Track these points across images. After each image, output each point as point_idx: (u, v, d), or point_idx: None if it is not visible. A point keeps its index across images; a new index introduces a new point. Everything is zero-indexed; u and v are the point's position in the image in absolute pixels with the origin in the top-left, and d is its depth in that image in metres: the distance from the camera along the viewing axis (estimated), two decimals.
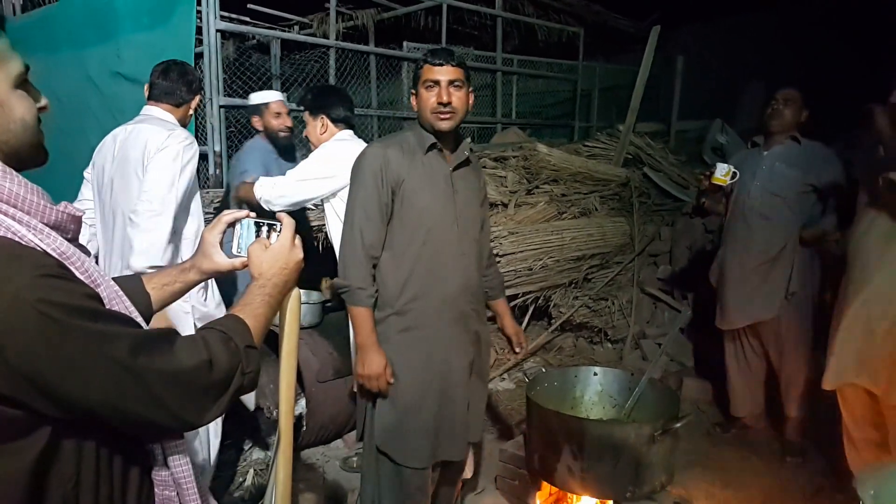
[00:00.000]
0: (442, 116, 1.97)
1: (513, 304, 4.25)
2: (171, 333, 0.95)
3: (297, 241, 1.20)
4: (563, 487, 2.48)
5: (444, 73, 1.96)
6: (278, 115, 3.42)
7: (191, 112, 2.45)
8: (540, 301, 4.45)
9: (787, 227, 3.16)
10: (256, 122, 3.49)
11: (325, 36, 5.62)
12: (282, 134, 3.44)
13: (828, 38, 6.25)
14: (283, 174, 2.83)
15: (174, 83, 2.37)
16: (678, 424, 2.39)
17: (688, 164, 5.60)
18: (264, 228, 1.23)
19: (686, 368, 4.16)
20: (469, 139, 2.17)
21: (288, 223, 1.20)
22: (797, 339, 3.20)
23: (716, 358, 3.71)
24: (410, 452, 2.04)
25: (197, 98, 2.45)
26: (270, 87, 4.79)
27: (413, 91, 2.05)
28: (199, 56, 3.96)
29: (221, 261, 1.24)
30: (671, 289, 4.66)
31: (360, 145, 2.72)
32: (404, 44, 6.08)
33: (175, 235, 2.23)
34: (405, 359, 2.03)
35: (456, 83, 1.97)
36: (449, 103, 1.96)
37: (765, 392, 3.42)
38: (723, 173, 3.08)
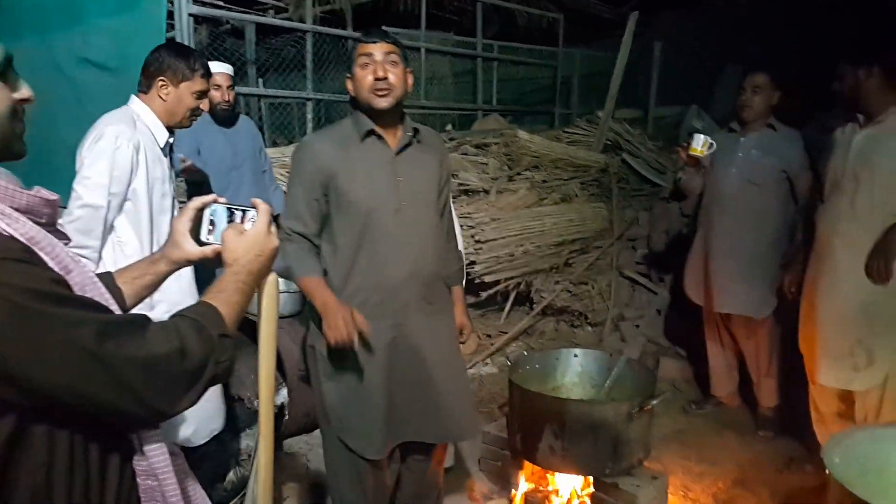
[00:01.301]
0: (379, 93, 1.89)
1: (495, 289, 4.32)
2: (143, 319, 0.93)
3: (273, 227, 1.16)
4: (544, 466, 2.56)
5: (379, 48, 1.91)
6: (218, 87, 3.26)
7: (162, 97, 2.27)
8: (522, 286, 4.52)
9: (767, 216, 3.21)
10: None
11: (302, 20, 5.58)
12: (220, 108, 3.34)
13: (804, 21, 6.32)
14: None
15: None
16: (654, 402, 2.47)
17: (665, 150, 5.68)
18: (238, 214, 1.19)
19: (663, 348, 4.25)
20: (412, 120, 2.08)
21: (264, 209, 1.17)
22: (770, 332, 3.29)
23: (692, 338, 3.81)
24: (362, 443, 2.01)
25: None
26: (245, 74, 4.74)
27: (349, 75, 1.97)
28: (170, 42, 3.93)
29: (191, 249, 1.19)
30: (649, 272, 4.74)
31: None
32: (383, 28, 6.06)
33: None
34: (352, 351, 1.96)
35: (391, 58, 1.91)
36: (385, 78, 1.89)
37: (739, 370, 3.52)
38: (700, 144, 3.06)
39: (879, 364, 2.55)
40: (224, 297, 1.05)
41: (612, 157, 5.37)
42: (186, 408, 0.95)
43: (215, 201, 1.20)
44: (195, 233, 1.20)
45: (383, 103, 1.91)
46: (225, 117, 3.41)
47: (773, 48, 5.70)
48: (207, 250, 1.18)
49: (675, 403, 3.59)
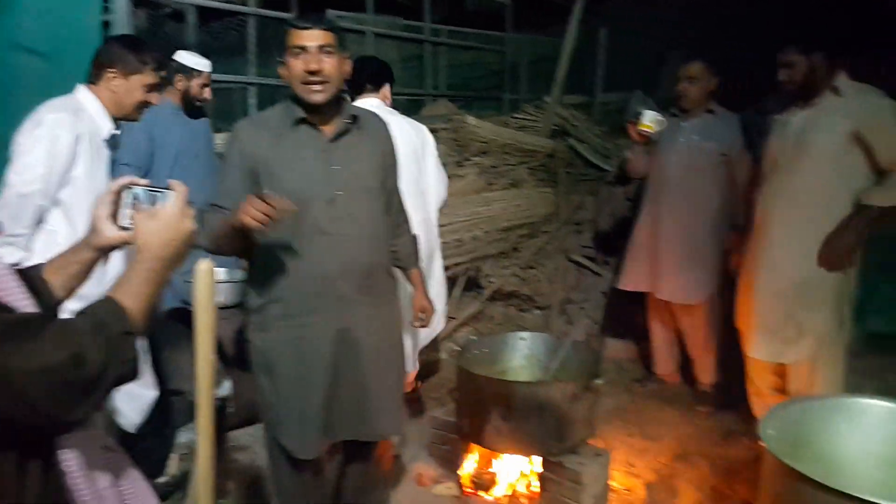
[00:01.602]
0: (313, 87, 1.81)
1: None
2: (39, 319, 0.89)
3: (190, 210, 1.11)
4: (491, 448, 2.60)
5: (312, 37, 1.79)
6: (205, 85, 3.31)
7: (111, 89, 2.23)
8: (471, 272, 4.55)
9: (707, 200, 3.30)
10: (179, 82, 3.37)
11: (245, 3, 5.45)
12: (198, 103, 3.33)
13: (747, 6, 6.45)
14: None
15: None
16: (599, 381, 2.54)
17: (611, 135, 5.77)
18: (159, 197, 1.13)
19: (608, 330, 4.35)
20: (350, 101, 2.01)
21: (179, 190, 1.11)
22: (710, 311, 3.39)
23: (636, 319, 3.91)
24: (296, 443, 1.96)
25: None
26: None
27: (281, 61, 1.86)
28: (106, 25, 3.79)
29: (110, 234, 1.12)
30: (595, 255, 4.83)
31: None
32: (327, 13, 5.98)
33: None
34: (286, 347, 1.93)
35: (326, 49, 1.80)
36: (319, 71, 1.79)
37: (680, 348, 3.63)
38: (649, 119, 3.10)
39: (809, 337, 2.67)
40: (130, 289, 1.00)
41: (559, 142, 5.42)
42: (86, 413, 0.92)
43: (134, 183, 1.15)
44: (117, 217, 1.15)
45: (317, 98, 1.83)
46: (193, 110, 3.37)
47: (716, 33, 5.81)
48: (126, 235, 1.12)
49: (619, 382, 3.69)
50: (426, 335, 3.04)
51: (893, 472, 2.11)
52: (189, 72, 3.28)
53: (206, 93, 3.34)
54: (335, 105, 1.92)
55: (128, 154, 3.04)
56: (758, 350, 2.83)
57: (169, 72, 3.27)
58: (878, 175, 2.57)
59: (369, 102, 2.85)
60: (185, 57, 3.31)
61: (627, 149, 3.47)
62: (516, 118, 5.78)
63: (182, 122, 3.30)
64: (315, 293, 1.91)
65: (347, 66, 1.92)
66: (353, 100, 2.81)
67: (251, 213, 1.66)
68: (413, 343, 2.89)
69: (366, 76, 2.82)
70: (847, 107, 2.56)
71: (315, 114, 1.89)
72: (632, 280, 3.55)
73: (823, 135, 2.59)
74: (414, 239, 2.29)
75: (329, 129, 1.92)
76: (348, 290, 1.93)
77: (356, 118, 1.96)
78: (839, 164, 2.58)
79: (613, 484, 2.68)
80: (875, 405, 2.23)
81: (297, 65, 1.81)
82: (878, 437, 2.16)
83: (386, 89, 2.89)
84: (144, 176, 3.09)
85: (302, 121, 1.89)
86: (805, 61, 2.60)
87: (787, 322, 2.70)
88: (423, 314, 2.30)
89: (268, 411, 2.02)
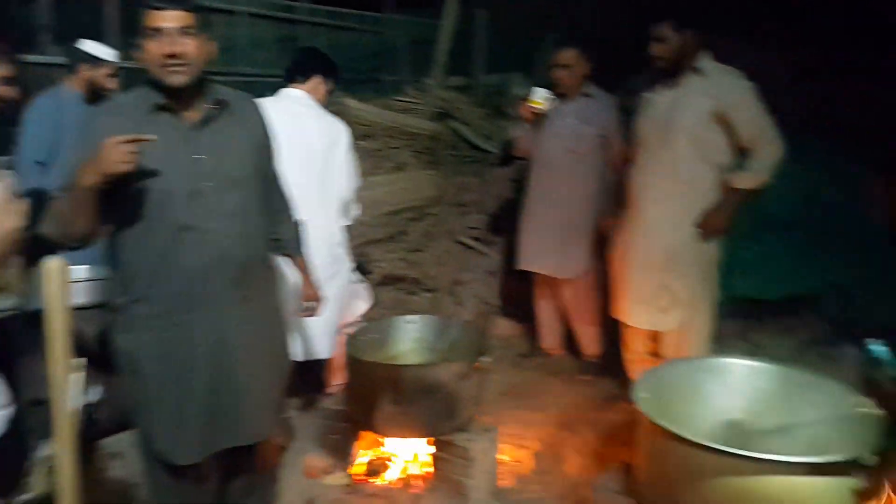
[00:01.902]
0: (171, 69, 1.69)
1: None
2: None
3: (17, 204, 1.01)
4: (383, 433, 2.60)
5: (171, 18, 1.67)
6: (111, 75, 3.21)
7: None
8: (358, 257, 4.49)
9: (587, 181, 3.42)
10: (85, 71, 3.15)
11: None
12: (102, 91, 3.20)
13: None
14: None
15: None
16: (486, 360, 2.59)
17: (493, 117, 5.86)
18: None
19: (496, 308, 4.45)
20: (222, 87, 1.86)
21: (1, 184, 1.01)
22: (592, 285, 3.54)
23: (522, 296, 4.02)
24: (173, 447, 1.84)
25: None
26: (38, 41, 4.31)
27: (136, 43, 1.73)
28: None
29: None
30: (481, 236, 4.91)
31: None
32: None
33: None
34: (155, 348, 1.81)
35: (186, 30, 1.69)
36: (179, 54, 1.68)
37: (565, 322, 3.77)
38: (540, 97, 3.16)
39: (680, 306, 2.85)
40: None
41: (442, 124, 5.45)
42: None
43: None
44: None
45: (177, 79, 1.71)
46: (96, 100, 3.16)
47: (593, 15, 6.00)
48: None
49: (506, 359, 3.79)
50: (352, 314, 3.05)
51: (756, 422, 2.30)
52: (95, 61, 3.17)
53: (112, 83, 3.23)
54: (198, 89, 1.79)
55: (30, 147, 2.97)
56: (634, 319, 2.99)
57: (73, 60, 3.19)
58: (738, 152, 2.77)
59: (293, 94, 2.81)
60: (90, 46, 3.20)
61: (513, 128, 3.53)
62: (398, 100, 5.74)
63: (85, 110, 3.09)
64: (184, 292, 1.79)
65: (211, 47, 1.80)
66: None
67: (115, 156, 1.56)
68: (326, 329, 2.86)
69: (293, 66, 2.83)
70: (709, 87, 2.72)
71: (176, 99, 1.76)
72: (526, 259, 3.64)
73: (688, 114, 2.75)
74: (297, 225, 2.19)
75: (192, 116, 1.79)
76: (221, 288, 1.82)
77: (223, 102, 1.84)
78: (703, 142, 2.75)
79: (503, 457, 2.75)
80: (738, 364, 2.42)
81: (155, 47, 1.68)
82: (742, 393, 2.35)
83: (315, 81, 2.85)
84: (47, 166, 2.91)
85: (161, 107, 1.76)
86: (677, 37, 2.73)
87: (661, 292, 2.87)
88: (311, 302, 2.23)
89: (137, 416, 1.89)
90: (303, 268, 2.23)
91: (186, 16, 1.70)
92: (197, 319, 1.81)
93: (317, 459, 2.71)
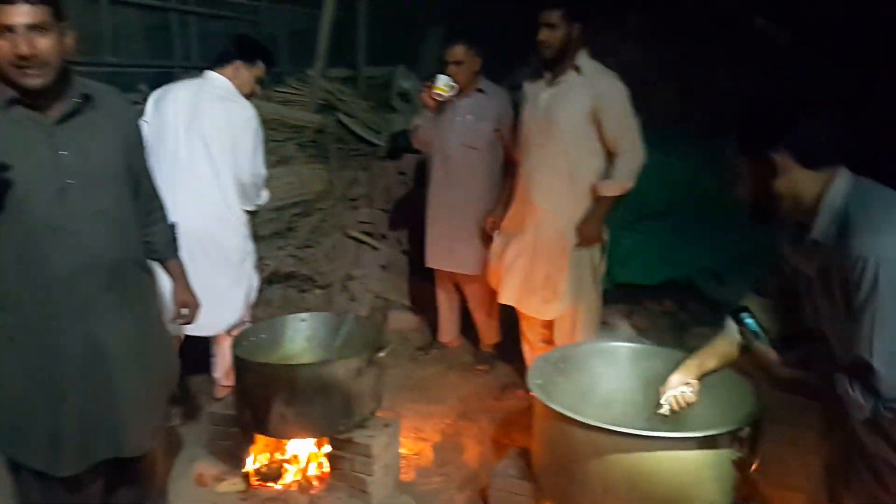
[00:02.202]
0: (27, 72, 1.55)
1: None
2: None
3: None
4: (277, 435, 2.50)
5: (20, 14, 1.51)
6: None
7: None
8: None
9: (484, 177, 3.42)
10: None
11: None
12: None
13: None
14: None
15: None
16: (382, 354, 2.55)
17: (378, 110, 5.80)
18: None
19: (391, 302, 4.42)
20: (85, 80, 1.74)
21: None
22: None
23: (417, 290, 4.02)
24: (45, 460, 1.72)
25: None
26: None
27: None
28: None
29: None
30: (372, 230, 4.86)
31: None
32: None
33: None
34: (21, 360, 1.68)
35: (39, 27, 1.54)
36: (31, 56, 1.54)
37: (462, 314, 3.80)
38: (443, 83, 3.12)
39: (563, 296, 2.94)
40: None
41: (327, 116, 5.32)
42: None
43: None
44: None
45: (33, 83, 1.57)
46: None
47: (475, 6, 6.04)
48: None
49: (403, 353, 3.77)
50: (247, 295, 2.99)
51: (642, 402, 2.40)
52: None
53: None
54: (60, 83, 1.65)
55: None
56: (524, 307, 3.06)
57: None
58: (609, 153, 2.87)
59: (209, 77, 2.83)
60: None
61: (414, 117, 3.47)
62: (279, 92, 5.54)
63: None
64: (51, 298, 1.66)
65: (69, 40, 1.65)
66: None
67: None
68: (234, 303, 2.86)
69: (218, 52, 2.89)
70: (587, 85, 2.80)
71: (34, 96, 1.62)
72: (433, 258, 3.61)
73: (567, 112, 2.82)
74: (172, 227, 2.06)
75: (54, 110, 1.66)
76: (92, 291, 1.71)
77: (88, 97, 1.71)
78: (584, 139, 2.84)
79: (404, 451, 2.73)
80: (624, 347, 2.52)
81: (5, 47, 1.53)
82: (628, 374, 2.45)
83: (235, 66, 2.86)
84: None
85: (16, 101, 1.61)
86: (565, 26, 2.77)
87: (546, 283, 2.94)
88: (186, 309, 2.09)
89: (4, 431, 1.73)
90: (177, 273, 2.08)
91: (38, 11, 1.54)
92: (65, 327, 1.68)
93: (208, 467, 2.58)
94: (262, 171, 2.97)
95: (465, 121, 3.36)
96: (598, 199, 2.86)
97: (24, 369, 1.68)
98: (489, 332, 3.68)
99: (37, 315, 1.66)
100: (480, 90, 3.37)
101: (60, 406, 1.70)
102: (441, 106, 3.28)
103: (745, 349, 1.79)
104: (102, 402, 1.75)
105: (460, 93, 3.32)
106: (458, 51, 3.27)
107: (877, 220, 1.37)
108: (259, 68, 2.92)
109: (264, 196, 3.08)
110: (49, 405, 1.69)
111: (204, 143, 2.75)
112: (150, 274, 1.95)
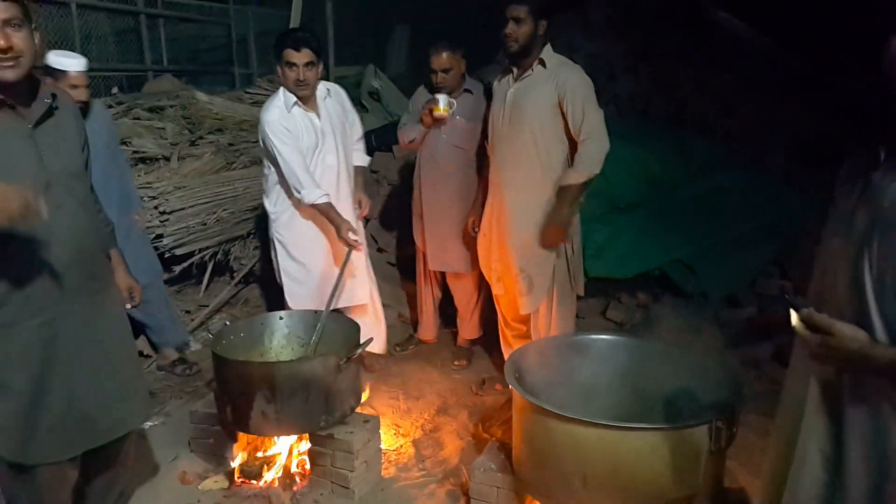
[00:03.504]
0: (3, 64, 1.61)
1: (189, 262, 4.03)
2: None
3: None
4: (259, 433, 2.51)
5: None
6: (75, 87, 2.89)
7: None
8: (219, 256, 4.29)
9: (471, 176, 3.45)
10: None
11: None
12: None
13: None
14: None
15: None
16: (359, 350, 2.56)
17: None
18: None
19: None
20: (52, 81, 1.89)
21: None
22: (478, 277, 3.60)
23: (397, 286, 4.02)
24: (34, 449, 1.78)
25: None
26: None
27: None
28: None
29: None
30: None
31: None
32: None
33: None
34: (22, 350, 1.74)
35: (13, 22, 1.60)
36: (7, 49, 1.59)
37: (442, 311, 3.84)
38: (444, 104, 3.17)
39: (537, 290, 2.98)
40: None
41: None
42: None
43: None
44: None
45: (9, 74, 1.63)
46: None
47: (440, 3, 6.06)
48: None
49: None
50: None
51: (619, 394, 2.45)
52: (54, 73, 2.90)
53: (79, 94, 2.92)
54: (31, 85, 1.74)
55: None
56: (503, 302, 3.10)
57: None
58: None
59: None
60: (51, 58, 2.93)
61: (407, 128, 3.47)
62: (250, 93, 5.54)
63: None
64: (47, 291, 1.74)
65: (39, 39, 1.71)
66: None
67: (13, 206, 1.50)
68: None
69: None
70: (551, 77, 2.84)
71: (10, 95, 1.67)
72: (432, 259, 3.60)
73: (534, 104, 2.85)
74: (108, 219, 2.18)
75: (32, 112, 1.74)
76: (83, 279, 1.82)
77: (55, 96, 1.79)
78: (550, 131, 2.86)
79: (384, 446, 2.75)
80: (600, 339, 2.56)
81: None
82: (604, 366, 2.49)
83: None
84: None
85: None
86: (532, 22, 2.79)
87: (520, 277, 2.98)
88: (132, 292, 2.16)
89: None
90: (118, 260, 2.16)
91: (11, 6, 1.61)
92: (65, 314, 1.78)
93: (190, 466, 2.58)
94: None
95: (456, 122, 3.37)
96: (563, 188, 2.84)
97: (25, 363, 1.74)
98: (470, 328, 3.71)
99: (35, 308, 1.73)
100: (468, 90, 3.39)
101: (52, 397, 1.77)
102: (437, 122, 3.32)
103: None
104: (97, 385, 1.85)
105: (451, 93, 3.33)
106: (444, 58, 3.26)
107: None
108: None
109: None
110: (42, 397, 1.76)
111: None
112: (109, 260, 2.05)
